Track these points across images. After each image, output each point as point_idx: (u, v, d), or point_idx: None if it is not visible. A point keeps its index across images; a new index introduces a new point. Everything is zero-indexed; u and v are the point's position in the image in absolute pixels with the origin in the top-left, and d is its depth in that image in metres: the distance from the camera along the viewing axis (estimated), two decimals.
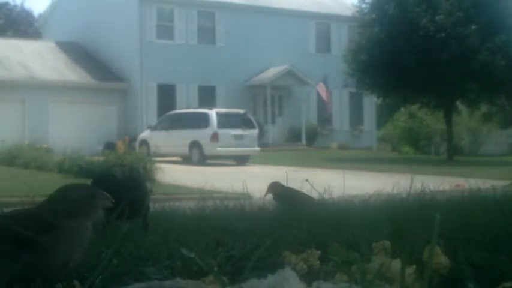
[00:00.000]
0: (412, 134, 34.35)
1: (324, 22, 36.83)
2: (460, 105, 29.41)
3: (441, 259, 1.98)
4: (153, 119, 30.01)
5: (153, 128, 26.79)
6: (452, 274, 2.04)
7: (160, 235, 2.76)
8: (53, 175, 16.89)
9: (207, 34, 33.71)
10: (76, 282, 1.87)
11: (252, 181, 5.67)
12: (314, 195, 4.47)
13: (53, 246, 1.81)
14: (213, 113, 24.69)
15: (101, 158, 17.57)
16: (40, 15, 44.63)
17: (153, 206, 3.61)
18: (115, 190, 3.05)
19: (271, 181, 4.41)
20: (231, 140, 23.89)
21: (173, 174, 16.84)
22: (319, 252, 2.18)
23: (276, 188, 4.36)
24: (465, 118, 32.96)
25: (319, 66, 33.49)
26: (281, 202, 4.24)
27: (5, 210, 3.28)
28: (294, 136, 34.42)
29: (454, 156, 27.21)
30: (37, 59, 32.76)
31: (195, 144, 24.28)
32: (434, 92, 26.25)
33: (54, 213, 1.89)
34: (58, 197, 1.97)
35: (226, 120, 24.41)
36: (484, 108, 31.20)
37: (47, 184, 13.54)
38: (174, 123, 25.69)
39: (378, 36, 26.20)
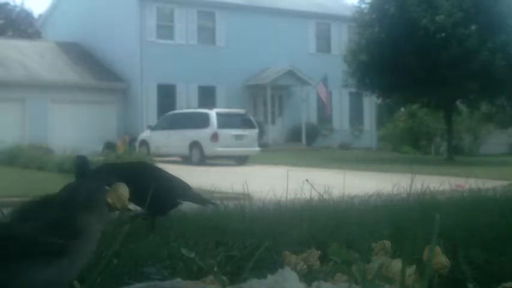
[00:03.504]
0: (412, 134, 34.34)
1: (324, 22, 36.84)
2: (460, 105, 29.40)
3: (441, 259, 1.98)
4: (153, 119, 30.00)
5: (153, 128, 26.78)
6: (452, 274, 2.04)
7: (160, 235, 2.76)
8: (53, 175, 16.87)
9: (207, 34, 33.71)
10: (76, 282, 1.87)
11: (252, 181, 5.67)
12: (314, 195, 4.46)
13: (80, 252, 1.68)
14: (213, 113, 24.68)
15: (101, 158, 17.54)
16: (40, 15, 44.62)
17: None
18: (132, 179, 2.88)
19: (271, 181, 4.39)
20: (231, 140, 23.89)
21: (173, 174, 16.80)
22: (319, 252, 2.18)
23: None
24: (465, 118, 32.95)
25: (319, 66, 33.49)
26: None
27: (5, 210, 3.28)
28: (294, 136, 34.41)
29: (454, 156, 27.19)
30: (37, 59, 32.74)
31: (195, 144, 24.27)
32: (434, 92, 26.22)
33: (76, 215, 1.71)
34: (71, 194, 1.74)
35: (226, 120, 24.41)
36: (484, 108, 31.17)
37: (47, 184, 13.56)
38: (174, 123, 25.68)
39: (378, 36, 26.19)
